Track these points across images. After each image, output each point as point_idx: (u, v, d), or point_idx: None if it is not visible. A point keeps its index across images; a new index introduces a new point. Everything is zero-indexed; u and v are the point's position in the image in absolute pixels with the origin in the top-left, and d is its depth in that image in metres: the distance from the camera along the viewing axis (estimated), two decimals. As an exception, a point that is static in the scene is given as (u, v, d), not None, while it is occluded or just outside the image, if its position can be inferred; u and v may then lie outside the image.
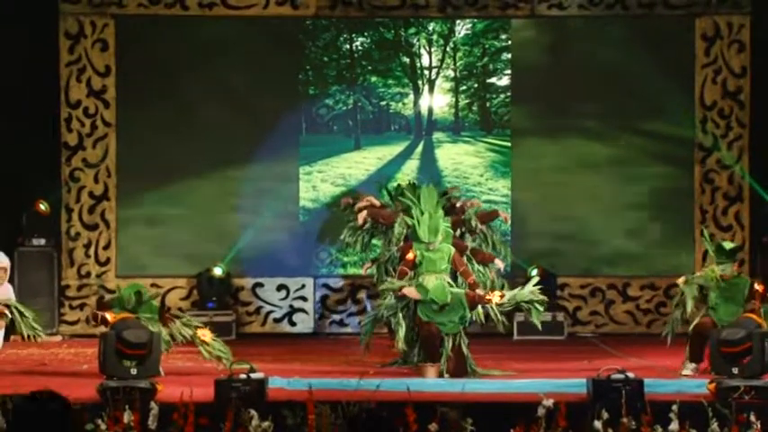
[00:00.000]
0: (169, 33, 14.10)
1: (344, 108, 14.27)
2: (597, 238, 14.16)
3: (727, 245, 10.39)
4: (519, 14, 14.12)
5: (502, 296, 10.28)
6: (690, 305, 10.33)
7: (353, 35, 14.28)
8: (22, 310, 10.34)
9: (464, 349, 10.21)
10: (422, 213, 10.46)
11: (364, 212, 10.91)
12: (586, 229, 14.15)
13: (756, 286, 10.20)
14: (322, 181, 14.19)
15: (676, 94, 14.05)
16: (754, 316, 9.65)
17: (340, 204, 12.07)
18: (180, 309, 13.15)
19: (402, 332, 10.20)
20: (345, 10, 14.01)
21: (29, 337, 10.28)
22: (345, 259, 13.71)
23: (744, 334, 8.92)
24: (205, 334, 10.16)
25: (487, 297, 10.23)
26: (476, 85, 14.27)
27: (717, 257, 10.27)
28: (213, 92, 14.05)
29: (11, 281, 12.71)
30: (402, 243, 10.63)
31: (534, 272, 13.29)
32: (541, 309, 10.43)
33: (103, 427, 7.81)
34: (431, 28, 14.19)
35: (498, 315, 10.27)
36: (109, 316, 9.84)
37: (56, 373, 10.33)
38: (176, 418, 7.87)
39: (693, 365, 9.91)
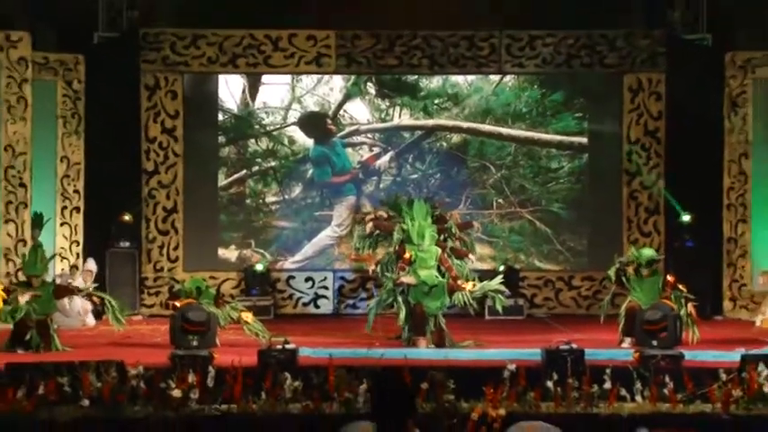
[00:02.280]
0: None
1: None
2: (549, 242, 14.16)
3: (654, 256, 10.41)
4: (490, 71, 14.12)
5: (474, 286, 10.31)
6: (612, 276, 10.38)
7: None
8: (111, 301, 10.36)
9: (443, 326, 10.22)
10: (414, 222, 10.48)
11: (370, 224, 10.90)
12: (542, 235, 14.15)
13: (668, 278, 10.23)
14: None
15: (607, 133, 14.11)
16: (668, 301, 9.69)
17: (355, 218, 12.07)
18: (231, 295, 13.13)
19: (402, 314, 10.22)
20: (357, 68, 14.02)
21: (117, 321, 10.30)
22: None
23: (661, 315, 8.98)
24: (248, 316, 10.17)
25: (463, 286, 10.25)
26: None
27: (643, 263, 10.26)
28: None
29: (103, 273, 12.78)
30: (398, 246, 10.62)
31: (502, 267, 13.29)
32: (504, 297, 10.48)
33: (173, 385, 7.81)
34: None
35: (470, 300, 10.29)
36: (177, 303, 9.86)
37: (137, 345, 10.34)
38: (228, 379, 7.89)
39: (629, 339, 9.87)
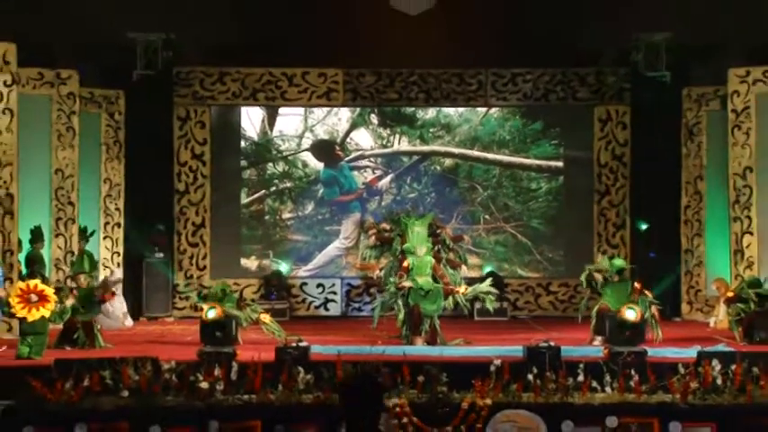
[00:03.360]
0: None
1: (361, 166, 14.30)
2: (530, 253, 14.15)
3: (623, 265, 10.37)
4: (478, 104, 14.16)
5: (466, 290, 10.29)
6: (584, 282, 10.33)
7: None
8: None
9: (437, 327, 10.19)
10: (413, 234, 10.47)
11: (373, 237, 10.90)
12: (524, 247, 14.14)
13: (636, 285, 10.20)
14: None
15: (580, 157, 14.12)
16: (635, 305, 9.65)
17: (362, 227, 12.04)
18: (252, 299, 13.11)
19: (401, 315, 10.19)
20: (362, 101, 14.06)
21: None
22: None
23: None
24: (266, 317, 10.12)
25: (456, 289, 10.22)
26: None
27: (615, 271, 10.24)
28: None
29: (140, 280, 12.78)
30: (398, 255, 10.61)
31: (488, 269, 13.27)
32: (493, 299, 10.46)
33: (201, 378, 7.79)
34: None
35: (463, 302, 10.27)
36: (205, 306, 9.83)
37: (170, 342, 10.32)
38: (249, 373, 7.86)
39: (600, 337, 9.80)
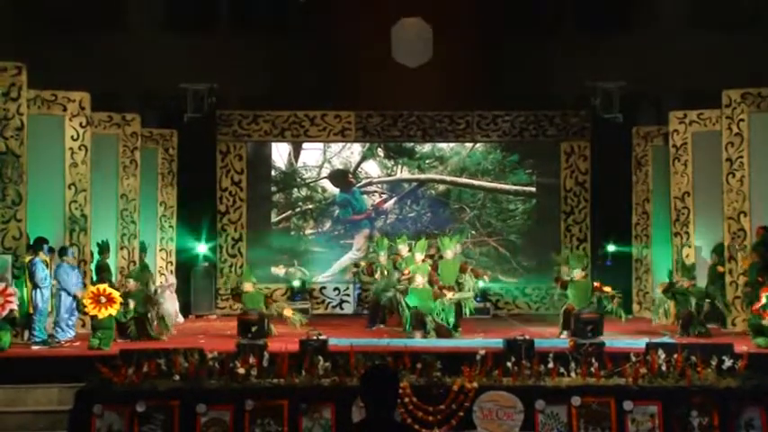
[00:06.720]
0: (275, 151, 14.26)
1: (370, 191, 14.26)
2: (509, 262, 14.13)
3: (579, 264, 10.39)
4: (466, 140, 14.19)
5: (453, 295, 10.23)
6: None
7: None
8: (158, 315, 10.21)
9: (439, 322, 10.15)
10: (413, 250, 10.48)
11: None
12: (504, 257, 14.12)
13: (595, 284, 10.16)
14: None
15: (549, 184, 14.13)
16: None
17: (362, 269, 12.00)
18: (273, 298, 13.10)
19: (406, 314, 10.16)
20: (370, 138, 14.10)
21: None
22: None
23: (594, 316, 8.92)
24: (288, 311, 10.09)
25: (444, 293, 10.16)
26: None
27: (572, 264, 10.25)
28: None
29: (189, 285, 12.78)
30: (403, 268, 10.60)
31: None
32: (472, 305, 10.40)
33: (239, 365, 7.80)
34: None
35: (448, 305, 10.16)
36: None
37: (213, 336, 10.31)
38: (278, 361, 7.86)
39: (566, 332, 9.70)
